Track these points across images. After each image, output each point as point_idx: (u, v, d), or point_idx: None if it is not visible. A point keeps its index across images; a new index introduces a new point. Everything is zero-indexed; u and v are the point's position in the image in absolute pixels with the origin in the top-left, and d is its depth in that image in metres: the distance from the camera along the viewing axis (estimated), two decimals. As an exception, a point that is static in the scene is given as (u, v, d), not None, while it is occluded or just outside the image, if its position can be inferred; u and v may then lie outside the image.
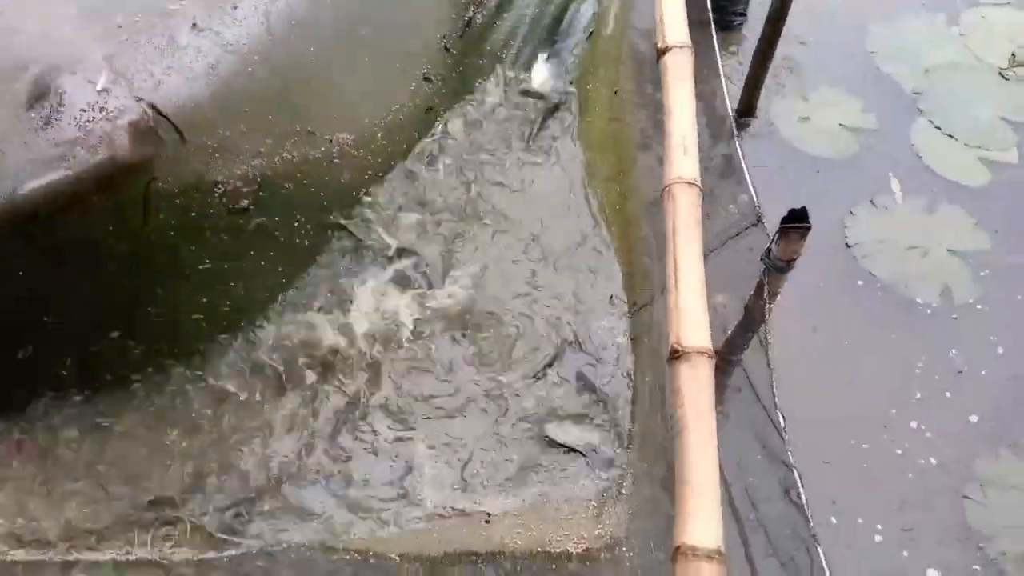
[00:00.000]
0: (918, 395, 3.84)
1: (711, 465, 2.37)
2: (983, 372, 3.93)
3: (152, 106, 3.44)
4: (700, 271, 2.70)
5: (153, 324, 3.74)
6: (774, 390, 3.39)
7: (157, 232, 3.60)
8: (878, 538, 3.41)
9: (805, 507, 3.22)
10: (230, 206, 3.73)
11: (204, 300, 3.83)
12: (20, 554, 3.44)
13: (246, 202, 3.76)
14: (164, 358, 3.80)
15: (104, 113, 3.38)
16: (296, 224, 4.01)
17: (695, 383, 2.50)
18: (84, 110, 3.37)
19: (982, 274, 4.37)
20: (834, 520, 3.44)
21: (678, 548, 2.24)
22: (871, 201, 4.63)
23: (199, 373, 3.80)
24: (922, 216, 4.62)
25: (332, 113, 4.11)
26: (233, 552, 3.42)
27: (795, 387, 3.78)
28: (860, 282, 4.28)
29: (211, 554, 3.42)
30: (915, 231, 4.53)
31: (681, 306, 2.63)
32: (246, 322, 3.91)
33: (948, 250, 4.47)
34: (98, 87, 3.43)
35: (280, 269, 4.01)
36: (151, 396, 3.73)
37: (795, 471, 3.27)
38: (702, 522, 2.27)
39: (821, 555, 3.08)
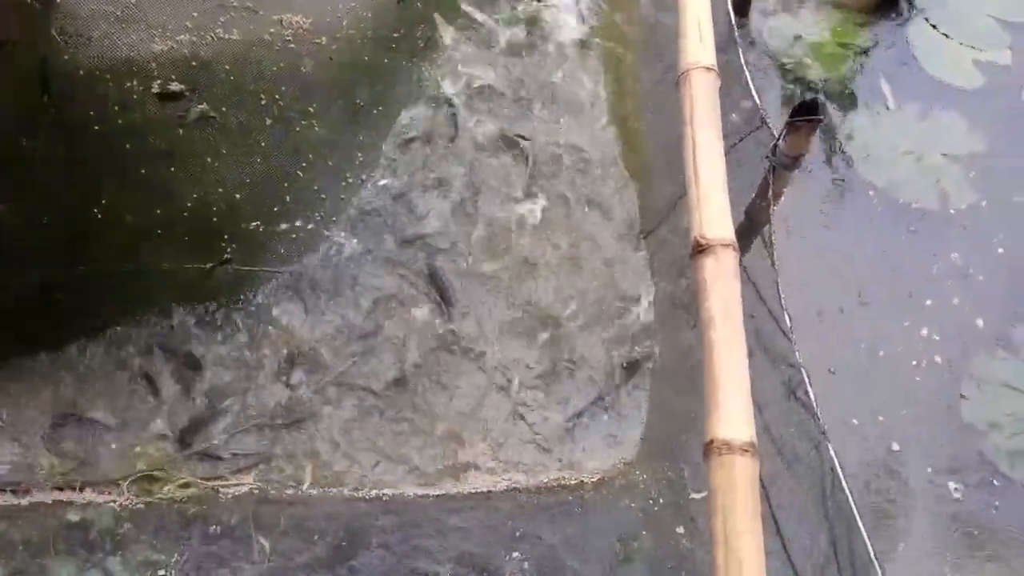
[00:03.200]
0: (928, 302, 3.81)
1: (740, 358, 2.28)
2: (984, 275, 3.90)
3: None
4: (721, 161, 2.56)
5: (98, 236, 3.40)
6: (780, 291, 3.29)
7: (79, 128, 3.23)
8: (896, 446, 3.39)
9: (814, 405, 3.16)
10: (159, 91, 3.33)
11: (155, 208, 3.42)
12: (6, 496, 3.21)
13: (179, 86, 3.38)
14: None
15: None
16: (252, 116, 3.62)
17: (721, 276, 2.38)
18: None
19: (972, 176, 4.30)
20: (855, 421, 3.41)
21: (710, 443, 2.14)
22: (864, 104, 4.52)
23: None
24: (916, 122, 4.51)
25: (276, -10, 3.74)
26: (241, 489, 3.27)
27: (802, 297, 3.73)
28: (868, 190, 4.20)
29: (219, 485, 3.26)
30: (909, 136, 4.43)
31: (702, 197, 2.49)
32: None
33: (942, 154, 4.39)
34: None
35: (241, 169, 3.60)
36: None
37: (803, 370, 3.19)
38: (734, 415, 2.17)
39: (831, 450, 3.04)
